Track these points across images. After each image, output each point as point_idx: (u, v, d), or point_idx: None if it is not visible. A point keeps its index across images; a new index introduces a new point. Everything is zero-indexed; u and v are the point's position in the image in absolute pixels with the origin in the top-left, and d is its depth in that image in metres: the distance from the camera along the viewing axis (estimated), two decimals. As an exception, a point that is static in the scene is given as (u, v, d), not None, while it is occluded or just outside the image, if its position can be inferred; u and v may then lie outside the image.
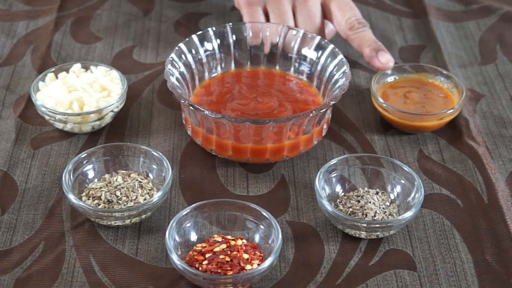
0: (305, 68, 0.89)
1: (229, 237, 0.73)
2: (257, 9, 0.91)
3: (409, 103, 0.88)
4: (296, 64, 0.89)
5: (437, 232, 0.76)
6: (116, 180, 0.77)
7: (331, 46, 0.86)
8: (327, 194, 0.77)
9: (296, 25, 0.90)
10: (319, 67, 0.87)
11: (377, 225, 0.72)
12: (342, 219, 0.73)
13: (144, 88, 0.93)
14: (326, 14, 0.92)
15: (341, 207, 0.76)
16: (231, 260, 0.69)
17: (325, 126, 0.84)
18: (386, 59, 0.87)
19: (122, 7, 1.08)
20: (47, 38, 1.01)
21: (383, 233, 0.74)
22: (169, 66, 0.82)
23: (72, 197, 0.73)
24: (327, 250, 0.74)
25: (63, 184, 0.75)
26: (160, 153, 0.78)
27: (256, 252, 0.71)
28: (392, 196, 0.78)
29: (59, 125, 0.85)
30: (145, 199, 0.76)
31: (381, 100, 0.86)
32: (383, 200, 0.76)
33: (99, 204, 0.75)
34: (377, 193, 0.77)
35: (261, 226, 0.73)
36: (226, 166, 0.83)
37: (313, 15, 0.90)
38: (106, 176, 0.78)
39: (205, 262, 0.69)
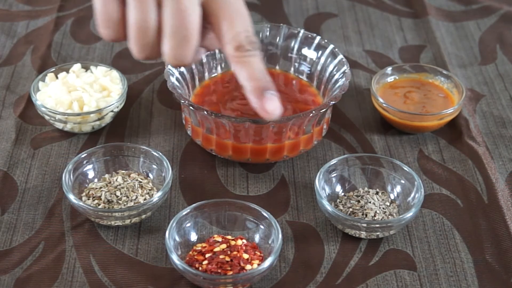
0: (305, 68, 0.89)
1: (229, 237, 0.73)
2: None
3: (409, 103, 0.88)
4: (296, 64, 0.89)
5: (437, 232, 0.76)
6: (116, 180, 0.77)
7: (331, 46, 0.86)
8: (327, 194, 0.77)
9: (159, 22, 0.64)
10: (319, 67, 0.87)
11: (377, 225, 0.72)
12: (342, 219, 0.73)
13: (144, 88, 0.93)
14: (207, 17, 0.65)
15: (341, 207, 0.76)
16: (231, 260, 0.69)
17: (325, 126, 0.84)
18: (273, 107, 0.64)
19: (122, 7, 1.08)
20: (47, 38, 1.01)
21: (383, 233, 0.74)
22: (169, 66, 0.82)
23: (72, 197, 0.73)
24: (327, 250, 0.74)
25: (63, 184, 0.75)
26: (160, 153, 0.78)
27: (256, 252, 0.71)
28: (392, 196, 0.78)
29: (59, 125, 0.85)
30: (145, 199, 0.76)
31: (381, 100, 0.86)
32: (383, 200, 0.77)
33: (99, 204, 0.75)
34: (377, 193, 0.77)
35: (261, 226, 0.73)
36: (226, 166, 0.83)
37: (183, 13, 0.62)
38: (106, 176, 0.78)
39: (205, 262, 0.69)
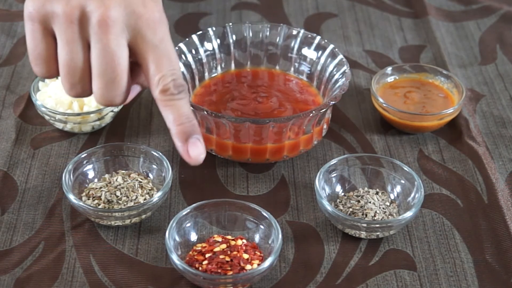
0: (305, 68, 0.89)
1: (229, 237, 0.73)
2: (39, 27, 0.65)
3: (409, 103, 0.88)
4: (296, 64, 0.89)
5: (437, 232, 0.76)
6: (116, 180, 0.77)
7: (331, 46, 0.86)
8: (327, 194, 0.77)
9: (87, 62, 0.64)
10: (319, 67, 0.87)
11: (377, 225, 0.72)
12: (342, 219, 0.73)
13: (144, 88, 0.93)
14: (135, 58, 0.65)
15: (341, 207, 0.76)
16: (231, 260, 0.69)
17: (325, 126, 0.84)
18: (196, 152, 0.64)
19: (122, 7, 1.08)
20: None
21: (383, 233, 0.74)
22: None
23: (72, 197, 0.73)
24: (327, 250, 0.74)
25: (63, 184, 0.75)
26: (160, 153, 0.78)
27: (256, 252, 0.71)
28: (392, 196, 0.78)
29: (59, 125, 0.85)
30: (145, 199, 0.76)
31: (381, 100, 0.86)
32: (383, 200, 0.77)
33: (99, 204, 0.75)
34: (377, 193, 0.77)
35: (261, 226, 0.73)
36: (226, 166, 0.83)
37: (111, 54, 0.63)
38: (106, 176, 0.78)
39: (205, 262, 0.69)
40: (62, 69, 0.64)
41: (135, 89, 0.69)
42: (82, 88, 0.65)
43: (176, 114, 0.64)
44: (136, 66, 0.66)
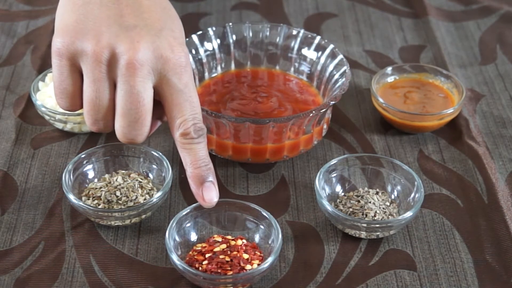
0: (305, 68, 0.89)
1: (229, 237, 0.73)
2: (66, 63, 0.67)
3: (409, 103, 0.88)
4: (296, 64, 0.89)
5: (437, 232, 0.76)
6: (116, 180, 0.77)
7: (331, 46, 0.86)
8: (327, 194, 0.77)
9: (112, 100, 0.67)
10: (319, 67, 0.87)
11: (377, 225, 0.72)
12: (342, 219, 0.73)
13: (144, 88, 0.93)
14: (159, 98, 0.68)
15: (341, 207, 0.76)
16: (231, 260, 0.69)
17: (325, 126, 0.84)
18: (210, 196, 0.69)
19: (122, 7, 1.08)
20: (47, 38, 1.01)
21: (383, 233, 0.74)
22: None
23: (72, 197, 0.73)
24: (327, 250, 0.74)
25: (63, 184, 0.75)
26: (160, 153, 0.78)
27: (256, 252, 0.71)
28: (392, 196, 0.78)
29: (59, 125, 0.85)
30: (145, 199, 0.76)
31: (381, 100, 0.86)
32: (383, 200, 0.77)
33: (99, 204, 0.75)
34: (377, 193, 0.77)
35: (261, 226, 0.73)
36: (226, 166, 0.83)
37: (136, 95, 0.65)
38: (106, 176, 0.78)
39: (205, 262, 0.69)
40: (86, 105, 0.67)
41: (156, 125, 0.72)
42: (104, 125, 0.68)
43: (194, 157, 0.68)
44: (157, 103, 0.68)
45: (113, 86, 0.66)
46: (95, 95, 0.66)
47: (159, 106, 0.69)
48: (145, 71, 0.65)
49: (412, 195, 0.76)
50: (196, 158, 0.68)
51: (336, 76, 0.84)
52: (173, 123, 0.67)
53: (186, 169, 0.69)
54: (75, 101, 0.68)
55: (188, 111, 0.67)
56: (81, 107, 0.68)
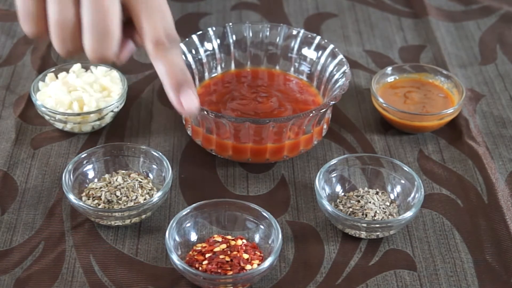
0: (305, 68, 0.89)
1: (229, 237, 0.73)
2: None
3: (409, 103, 0.88)
4: (296, 64, 0.89)
5: (437, 232, 0.76)
6: (116, 180, 0.77)
7: (331, 46, 0.86)
8: (327, 194, 0.77)
9: (78, 16, 0.63)
10: (319, 67, 0.87)
11: (377, 225, 0.72)
12: (342, 219, 0.73)
13: (144, 88, 0.93)
14: (128, 14, 0.65)
15: (341, 207, 0.76)
16: (231, 260, 0.69)
17: (325, 126, 0.84)
18: (190, 102, 0.64)
19: (122, 7, 1.08)
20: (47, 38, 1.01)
21: (383, 233, 0.74)
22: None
23: (72, 197, 0.73)
24: (327, 250, 0.74)
25: (63, 184, 0.75)
26: (160, 153, 0.78)
27: (256, 252, 0.71)
28: (392, 196, 0.78)
29: (59, 125, 0.85)
30: (145, 199, 0.76)
31: (381, 100, 0.86)
32: (383, 200, 0.77)
33: (99, 204, 0.75)
34: (377, 193, 0.77)
35: (261, 226, 0.73)
36: (226, 166, 0.83)
37: (101, 7, 0.62)
38: (106, 176, 0.78)
39: (205, 262, 0.69)
40: (52, 26, 0.64)
41: (129, 47, 0.68)
42: (73, 45, 0.64)
43: (169, 66, 0.64)
44: (129, 25, 0.66)
45: (77, 2, 0.63)
46: (59, 12, 0.63)
47: (130, 26, 0.66)
48: None
49: (412, 195, 0.76)
50: (171, 66, 0.64)
51: (336, 76, 0.84)
52: (144, 35, 0.64)
53: (162, 81, 0.65)
54: (39, 24, 0.65)
55: (158, 20, 0.64)
56: (47, 31, 0.65)
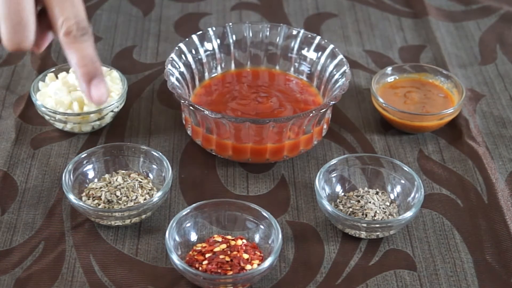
0: (305, 68, 0.89)
1: (229, 237, 0.73)
2: None
3: (409, 103, 0.88)
4: (296, 64, 0.89)
5: (437, 232, 0.76)
6: (116, 180, 0.77)
7: (331, 46, 0.86)
8: (327, 194, 0.77)
9: None
10: (319, 67, 0.87)
11: (377, 225, 0.72)
12: (342, 219, 0.73)
13: (144, 88, 0.93)
14: (42, 4, 0.66)
15: (341, 207, 0.76)
16: (231, 260, 0.69)
17: (325, 126, 0.84)
18: (99, 93, 0.66)
19: (122, 7, 1.08)
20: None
21: (383, 233, 0.74)
22: (169, 66, 0.82)
23: (72, 197, 0.73)
24: (327, 250, 0.74)
25: (63, 184, 0.75)
26: (160, 153, 0.78)
27: (256, 252, 0.71)
28: (392, 196, 0.78)
29: (59, 125, 0.85)
30: (145, 199, 0.76)
31: (381, 100, 0.86)
32: (383, 200, 0.77)
33: (99, 204, 0.75)
34: (377, 193, 0.77)
35: (261, 226, 0.73)
36: (226, 166, 0.83)
37: (17, 1, 0.63)
38: (106, 176, 0.78)
39: (205, 262, 0.69)
40: None
41: (48, 37, 0.69)
42: None
43: (79, 56, 0.65)
44: (44, 12, 0.66)
45: None
46: None
47: (47, 16, 0.67)
48: None
49: (412, 195, 0.76)
50: (82, 56, 0.65)
51: (336, 76, 0.84)
52: (56, 25, 0.65)
53: (74, 70, 0.66)
54: None
55: (69, 10, 0.65)
56: None
